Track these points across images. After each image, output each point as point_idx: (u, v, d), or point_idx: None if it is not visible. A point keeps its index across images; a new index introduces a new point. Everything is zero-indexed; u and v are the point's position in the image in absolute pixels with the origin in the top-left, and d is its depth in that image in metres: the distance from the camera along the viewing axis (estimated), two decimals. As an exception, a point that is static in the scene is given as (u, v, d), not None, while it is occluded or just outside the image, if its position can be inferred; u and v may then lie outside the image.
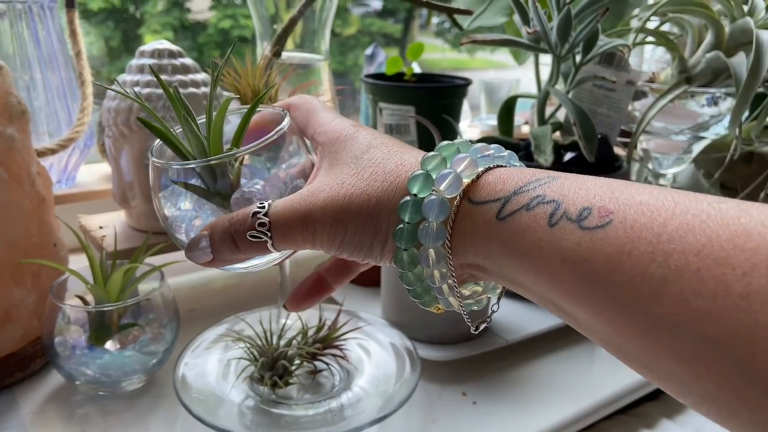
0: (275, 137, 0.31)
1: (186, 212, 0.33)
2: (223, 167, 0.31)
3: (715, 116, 0.70)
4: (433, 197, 0.27)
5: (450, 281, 0.28)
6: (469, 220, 0.26)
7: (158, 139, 0.33)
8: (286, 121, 0.33)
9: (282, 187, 0.33)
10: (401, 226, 0.28)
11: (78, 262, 0.57)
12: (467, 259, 0.27)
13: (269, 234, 0.29)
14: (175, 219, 0.33)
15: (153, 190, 0.33)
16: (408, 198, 0.27)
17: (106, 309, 0.51)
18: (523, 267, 0.25)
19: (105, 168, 0.82)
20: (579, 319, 0.24)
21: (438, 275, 0.28)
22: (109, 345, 0.52)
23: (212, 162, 0.31)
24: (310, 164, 0.34)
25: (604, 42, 0.61)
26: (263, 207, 0.29)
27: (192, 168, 0.32)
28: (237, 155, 0.31)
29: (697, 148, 0.76)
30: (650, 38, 0.71)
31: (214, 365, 0.53)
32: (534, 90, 0.72)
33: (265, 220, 0.29)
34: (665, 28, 0.73)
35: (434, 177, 0.27)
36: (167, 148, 0.33)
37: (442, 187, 0.27)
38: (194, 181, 0.32)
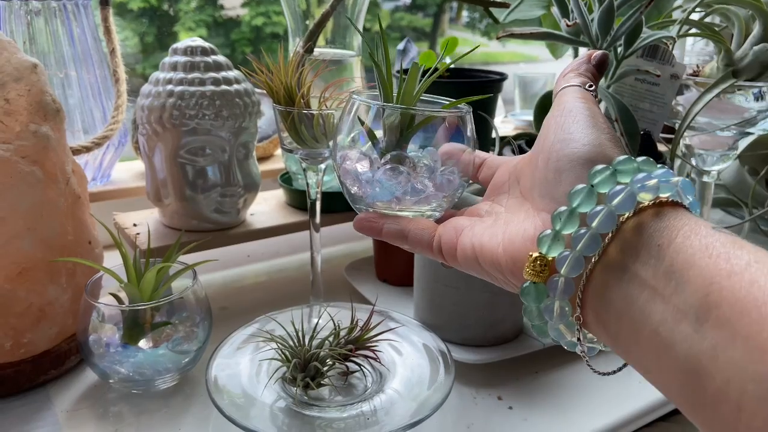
0: (456, 114, 0.37)
1: (353, 148, 0.38)
2: (398, 127, 0.37)
3: (763, 111, 0.67)
4: (599, 207, 0.28)
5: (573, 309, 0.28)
6: (673, 214, 0.26)
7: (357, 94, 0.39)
8: (467, 109, 0.38)
9: (433, 167, 0.37)
10: (562, 209, 0.29)
11: (113, 259, 0.57)
12: (621, 252, 0.27)
13: None
14: (342, 147, 0.39)
15: (342, 121, 0.39)
16: (584, 186, 0.28)
17: (139, 308, 0.51)
18: (706, 266, 0.24)
19: (140, 165, 0.82)
20: (722, 328, 0.22)
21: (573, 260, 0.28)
22: (142, 343, 0.52)
23: (403, 110, 0.37)
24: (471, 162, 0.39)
25: (647, 34, 0.59)
26: None
27: (381, 115, 0.37)
28: (420, 112, 0.37)
29: (743, 144, 0.73)
30: (694, 30, 0.68)
31: (245, 366, 0.53)
32: (571, 85, 0.70)
33: None
34: (709, 19, 0.70)
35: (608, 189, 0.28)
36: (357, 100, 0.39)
37: (614, 203, 0.27)
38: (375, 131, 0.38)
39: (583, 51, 0.67)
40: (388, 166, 0.36)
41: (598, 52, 0.37)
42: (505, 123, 1.13)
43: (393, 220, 0.37)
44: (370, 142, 0.38)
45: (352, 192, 0.38)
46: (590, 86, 0.35)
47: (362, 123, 0.38)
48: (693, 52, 0.84)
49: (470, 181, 0.40)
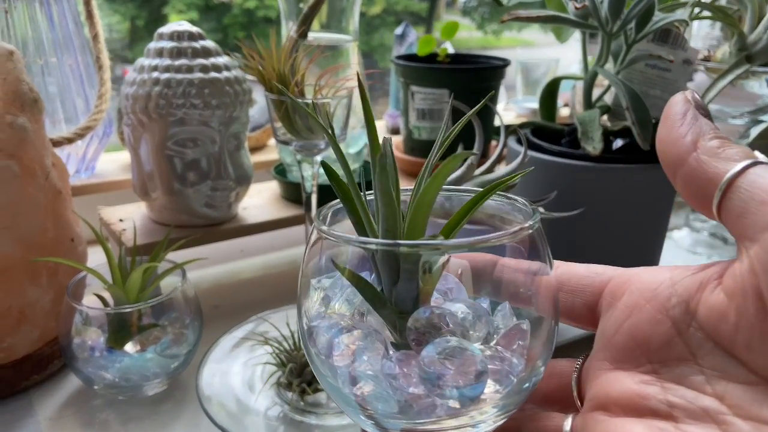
0: (514, 232, 0.21)
1: (335, 318, 0.23)
2: (415, 265, 0.21)
3: (777, 98, 0.64)
4: None
5: None
6: None
7: (332, 202, 0.24)
8: (536, 219, 0.22)
9: (489, 323, 0.22)
10: None
11: (100, 255, 0.54)
12: None
13: None
14: (317, 320, 0.23)
15: (303, 273, 0.23)
16: None
17: (124, 310, 0.48)
18: None
19: (127, 156, 0.79)
20: None
21: None
22: (128, 347, 0.49)
23: (418, 246, 0.21)
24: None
25: (659, 17, 0.56)
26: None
27: (372, 255, 0.21)
28: (453, 247, 0.21)
29: (755, 132, 0.71)
30: (706, 13, 0.65)
31: (238, 370, 0.50)
32: (571, 69, 0.67)
33: None
34: (722, 2, 0.67)
35: None
36: (340, 216, 0.24)
37: None
38: (367, 277, 0.22)
39: (592, 36, 0.64)
40: (434, 348, 0.20)
41: (689, 92, 0.24)
42: (507, 110, 1.10)
43: None
44: (356, 304, 0.23)
45: (370, 411, 0.22)
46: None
47: (352, 274, 0.22)
48: (699, 36, 0.81)
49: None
